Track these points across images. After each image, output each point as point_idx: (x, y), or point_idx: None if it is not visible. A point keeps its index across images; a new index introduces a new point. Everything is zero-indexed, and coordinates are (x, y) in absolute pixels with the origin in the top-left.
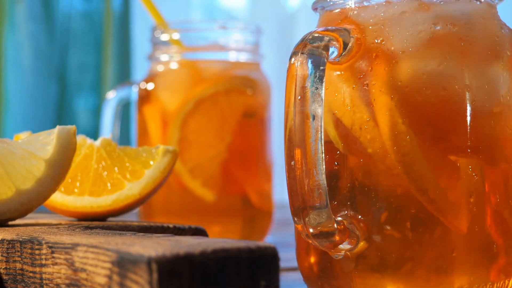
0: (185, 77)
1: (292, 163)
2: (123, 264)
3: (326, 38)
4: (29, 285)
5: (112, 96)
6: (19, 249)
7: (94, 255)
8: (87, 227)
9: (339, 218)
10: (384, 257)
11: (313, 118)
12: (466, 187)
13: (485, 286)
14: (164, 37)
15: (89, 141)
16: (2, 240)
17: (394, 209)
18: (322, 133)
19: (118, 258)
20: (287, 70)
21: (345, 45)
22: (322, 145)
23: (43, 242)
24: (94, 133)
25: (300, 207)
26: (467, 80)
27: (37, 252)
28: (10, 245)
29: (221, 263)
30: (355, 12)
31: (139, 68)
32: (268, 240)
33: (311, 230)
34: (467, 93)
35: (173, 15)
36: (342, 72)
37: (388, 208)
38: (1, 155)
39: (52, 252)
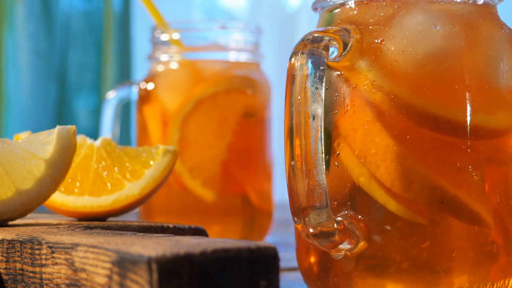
0: (185, 77)
1: (292, 163)
2: (123, 264)
3: (326, 38)
4: (29, 285)
5: (112, 96)
6: (19, 249)
7: (94, 255)
8: (87, 227)
9: (339, 218)
10: (384, 257)
11: (313, 118)
12: (466, 187)
13: (485, 286)
14: (164, 37)
15: (89, 141)
16: (2, 240)
17: (394, 209)
18: (322, 133)
19: (118, 258)
20: (287, 70)
21: (345, 45)
22: (322, 145)
23: (43, 242)
24: (94, 133)
25: (300, 207)
26: (467, 80)
27: (37, 252)
28: (10, 245)
29: (221, 263)
30: (355, 12)
31: (139, 68)
32: (268, 240)
33: (311, 230)
34: (467, 93)
35: (173, 15)
36: (342, 72)
37: (387, 208)
38: (1, 155)
39: (52, 252)
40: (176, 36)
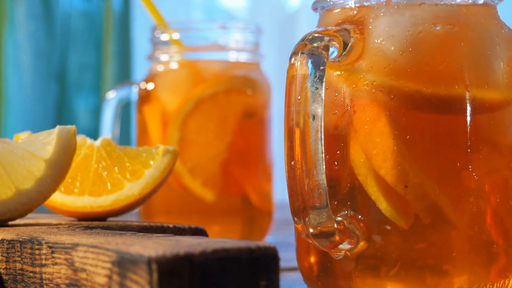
0: (185, 77)
1: (292, 163)
2: (123, 264)
3: (326, 38)
4: (29, 285)
5: (112, 96)
6: (19, 249)
7: (94, 255)
8: (87, 227)
9: (339, 218)
10: (384, 257)
11: (313, 118)
12: (466, 187)
13: (485, 286)
14: (164, 37)
15: (89, 141)
16: (2, 240)
17: (394, 209)
18: (322, 133)
19: (118, 258)
20: (287, 70)
21: (345, 45)
22: (322, 145)
23: (43, 242)
24: (94, 133)
25: (300, 207)
26: (467, 80)
27: (37, 252)
28: (10, 245)
29: (221, 263)
30: (355, 12)
31: (139, 68)
32: (268, 240)
33: (311, 230)
34: (467, 93)
35: (173, 15)
36: (342, 72)
37: (388, 208)
38: (1, 155)
39: (52, 252)
40: (176, 36)
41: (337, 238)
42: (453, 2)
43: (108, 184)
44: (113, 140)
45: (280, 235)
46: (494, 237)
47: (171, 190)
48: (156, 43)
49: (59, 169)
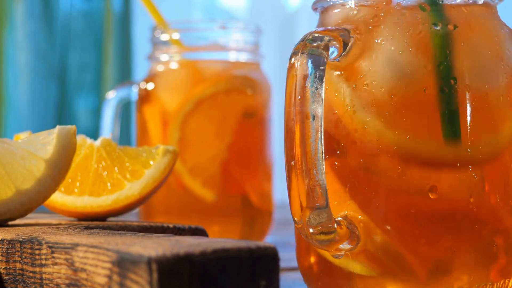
0: (185, 77)
1: (292, 163)
2: (123, 264)
3: (326, 38)
4: (29, 285)
5: (112, 96)
6: (19, 249)
7: (94, 255)
8: (87, 227)
9: (339, 218)
10: (384, 257)
11: (313, 118)
12: (466, 187)
13: (485, 286)
14: (164, 37)
15: (89, 141)
16: (2, 240)
17: (394, 209)
18: (322, 133)
19: (118, 258)
20: (287, 70)
21: (345, 45)
22: (322, 145)
23: (43, 242)
24: (94, 133)
25: (300, 207)
26: (467, 80)
27: (37, 252)
28: (10, 245)
29: (221, 263)
30: (355, 12)
31: (140, 68)
32: (268, 240)
33: (311, 230)
34: (467, 93)
35: (173, 15)
36: (342, 72)
37: (388, 208)
38: (1, 155)
39: (52, 252)
40: (176, 36)
41: (337, 238)
42: (453, 2)
43: (108, 184)
44: (113, 140)
45: (280, 235)
46: (494, 237)
47: (171, 190)
48: (156, 43)
49: (59, 169)
